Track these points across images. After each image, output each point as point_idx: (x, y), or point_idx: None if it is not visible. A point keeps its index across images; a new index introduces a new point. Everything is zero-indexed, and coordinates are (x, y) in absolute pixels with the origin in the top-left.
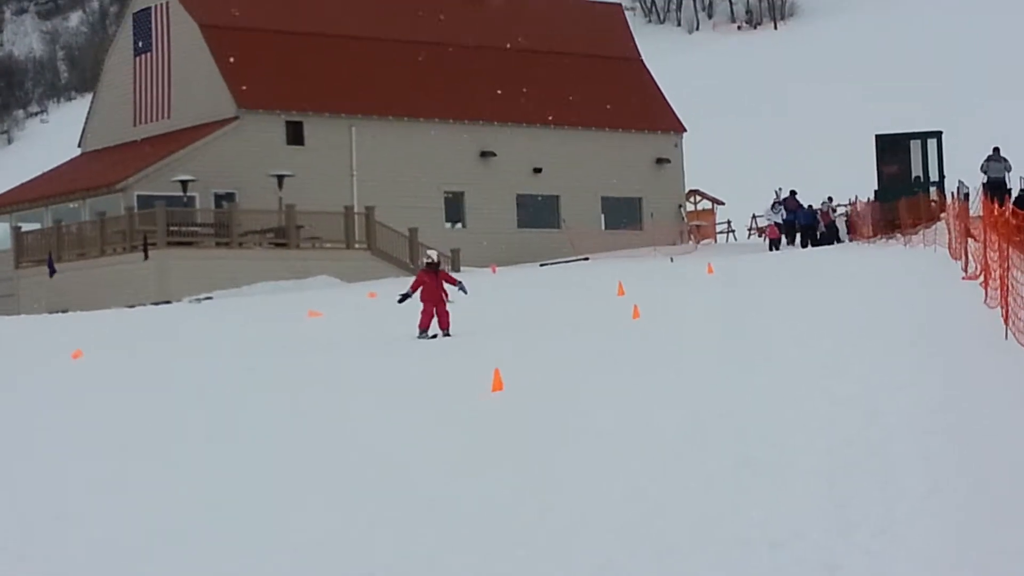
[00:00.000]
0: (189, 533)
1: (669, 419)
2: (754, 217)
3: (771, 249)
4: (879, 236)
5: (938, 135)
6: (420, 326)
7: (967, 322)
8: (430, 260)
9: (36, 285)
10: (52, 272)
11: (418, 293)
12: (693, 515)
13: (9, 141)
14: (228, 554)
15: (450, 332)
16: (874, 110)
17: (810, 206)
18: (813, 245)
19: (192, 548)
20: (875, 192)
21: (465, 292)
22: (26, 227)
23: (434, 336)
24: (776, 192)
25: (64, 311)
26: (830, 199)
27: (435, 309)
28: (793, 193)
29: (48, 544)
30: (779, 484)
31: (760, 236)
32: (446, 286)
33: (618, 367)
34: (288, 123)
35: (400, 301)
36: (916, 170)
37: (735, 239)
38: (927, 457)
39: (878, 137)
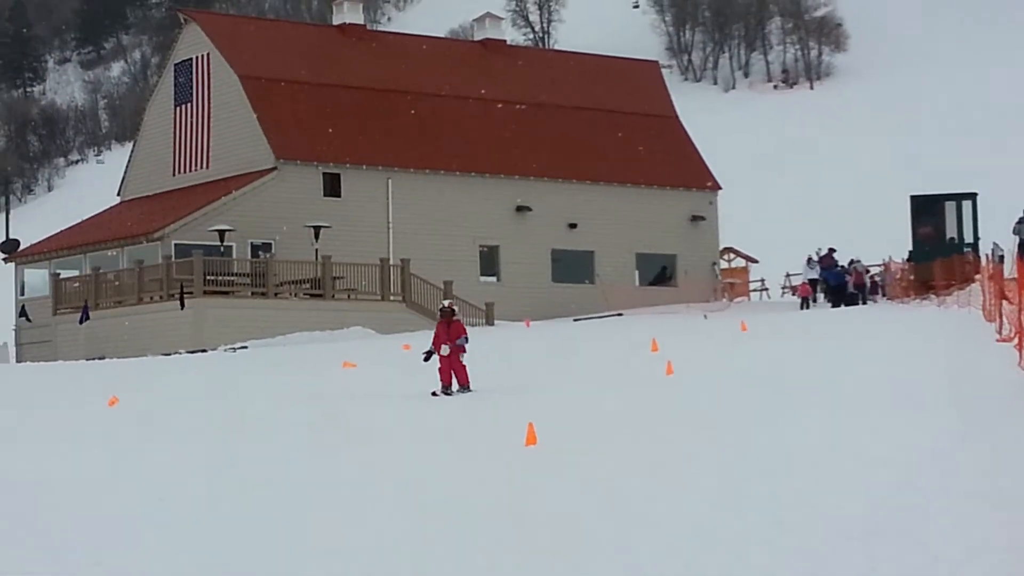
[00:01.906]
0: None
1: (702, 477)
2: (788, 275)
3: (803, 307)
4: (913, 297)
5: (973, 196)
6: (441, 380)
7: (1002, 383)
8: (443, 308)
9: (73, 332)
10: (84, 319)
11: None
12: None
13: (49, 188)
14: None
15: (470, 387)
16: (909, 170)
17: (841, 266)
18: (844, 305)
19: None
20: (909, 253)
21: (463, 351)
22: (64, 274)
23: (444, 393)
24: (817, 252)
25: (101, 358)
26: (858, 260)
27: (449, 362)
28: (832, 251)
29: None
30: (813, 545)
31: (793, 294)
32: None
33: (651, 424)
34: (325, 175)
35: (426, 359)
36: (951, 231)
37: (768, 297)
38: (964, 520)
39: (913, 198)
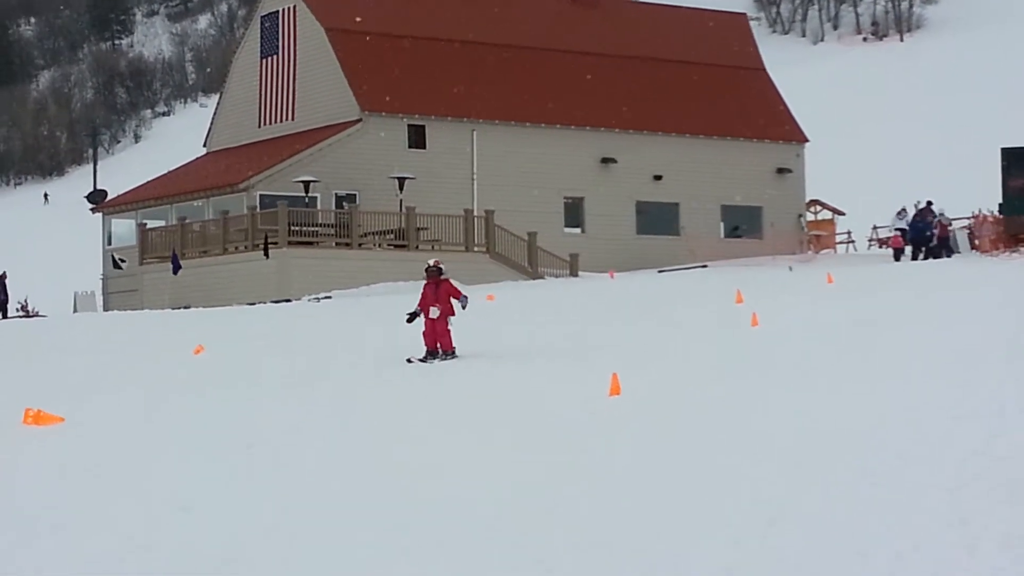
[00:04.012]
0: (305, 526)
1: (788, 429)
2: (875, 228)
3: (896, 259)
4: (1003, 250)
5: None
6: (426, 345)
7: None
8: (429, 266)
9: (159, 281)
10: (176, 269)
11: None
12: (811, 527)
13: (136, 140)
14: (343, 546)
15: (456, 353)
16: (999, 124)
17: (923, 218)
18: (924, 258)
19: (308, 541)
20: (1000, 206)
21: (463, 307)
22: (151, 224)
23: (425, 360)
24: (916, 204)
25: (186, 307)
26: (942, 213)
27: (435, 326)
28: (929, 204)
29: (173, 535)
30: (900, 497)
31: (880, 247)
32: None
33: (737, 375)
34: (410, 126)
35: (409, 321)
36: None
37: (855, 249)
38: None
39: (1004, 151)
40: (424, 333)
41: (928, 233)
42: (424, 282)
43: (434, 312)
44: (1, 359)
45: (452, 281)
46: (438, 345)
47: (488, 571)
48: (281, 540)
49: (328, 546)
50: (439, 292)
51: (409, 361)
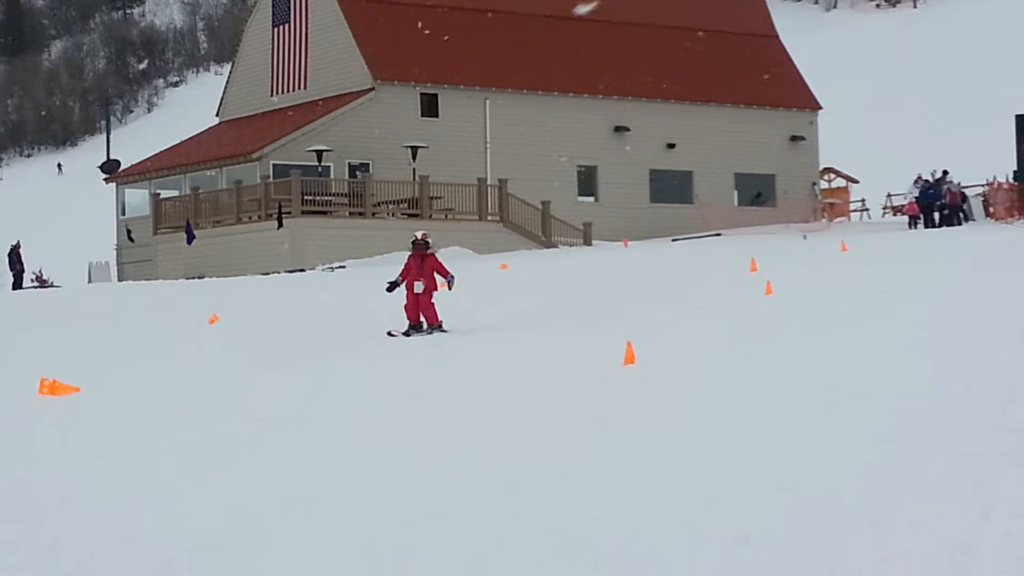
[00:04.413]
0: (324, 494)
1: (803, 398)
2: (889, 196)
3: (911, 226)
4: (1018, 217)
5: None
6: (408, 318)
7: None
8: (416, 239)
9: (173, 251)
10: (190, 239)
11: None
12: (826, 494)
13: (149, 110)
14: (361, 513)
15: (443, 326)
16: (1014, 90)
17: (931, 183)
18: (939, 225)
19: (324, 511)
20: (1014, 173)
21: (450, 288)
22: (164, 194)
23: (407, 333)
24: (932, 173)
25: (200, 277)
26: (952, 180)
27: (418, 299)
28: (945, 173)
29: (188, 506)
30: (915, 464)
31: (895, 214)
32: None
33: (751, 343)
34: (423, 95)
35: (389, 290)
36: None
37: (869, 217)
38: None
39: (1019, 117)
40: (406, 306)
41: (938, 202)
42: (409, 253)
43: (418, 287)
44: (17, 329)
45: (438, 257)
46: (421, 319)
47: (505, 538)
48: (297, 510)
49: (344, 516)
50: (424, 266)
51: (390, 335)
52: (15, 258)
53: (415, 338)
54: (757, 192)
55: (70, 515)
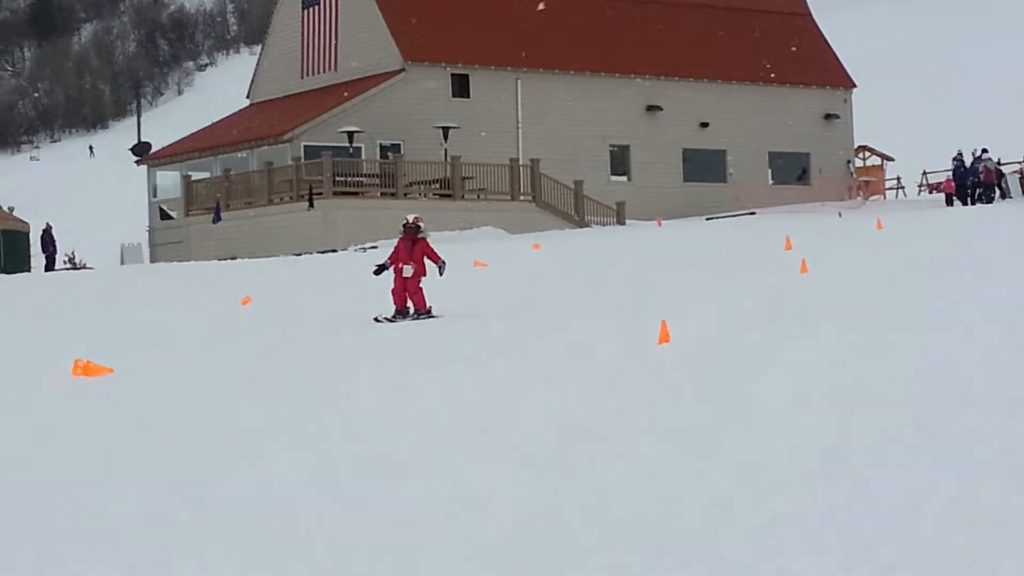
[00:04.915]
0: (346, 475)
1: (837, 377)
2: (924, 173)
3: (948, 204)
4: None
5: None
6: (395, 303)
7: None
8: (407, 222)
9: (205, 232)
10: (217, 219)
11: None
12: (859, 473)
13: (179, 92)
14: (386, 494)
15: (432, 312)
16: None
17: (963, 162)
18: (974, 203)
19: (347, 489)
20: None
21: (441, 274)
22: (196, 176)
23: (393, 319)
24: (973, 152)
25: (232, 258)
26: (989, 158)
27: (406, 284)
28: (984, 151)
29: (219, 485)
30: (952, 445)
31: (931, 192)
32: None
33: (786, 322)
34: (454, 75)
35: (376, 273)
36: None
37: (904, 195)
38: None
39: None
40: (393, 291)
41: (970, 179)
42: (399, 237)
43: (407, 271)
44: (50, 311)
45: (429, 241)
46: (409, 304)
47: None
48: (326, 487)
49: (371, 493)
50: (415, 251)
51: (377, 320)
52: (47, 240)
53: (449, 319)
54: (802, 169)
55: (103, 492)
